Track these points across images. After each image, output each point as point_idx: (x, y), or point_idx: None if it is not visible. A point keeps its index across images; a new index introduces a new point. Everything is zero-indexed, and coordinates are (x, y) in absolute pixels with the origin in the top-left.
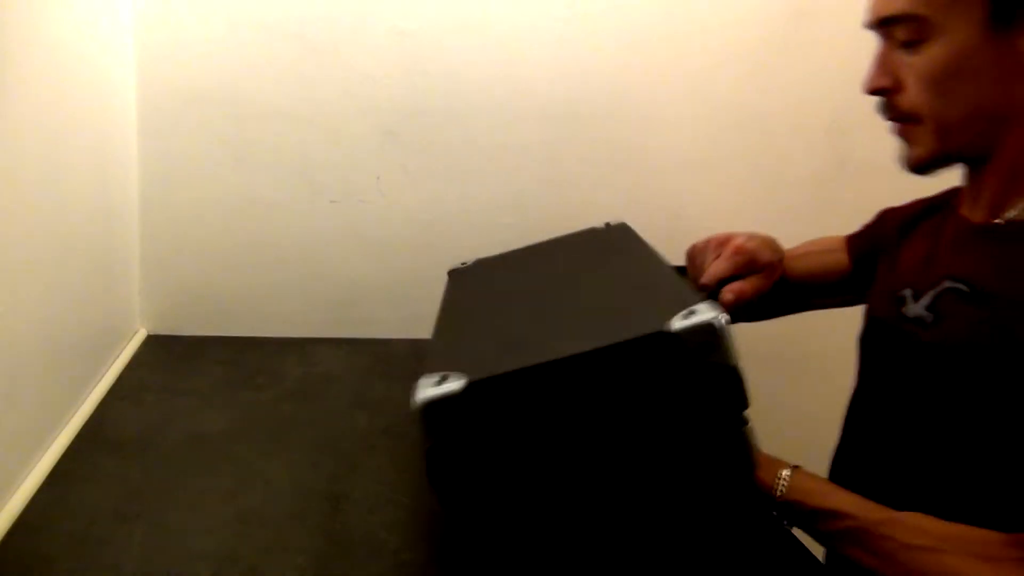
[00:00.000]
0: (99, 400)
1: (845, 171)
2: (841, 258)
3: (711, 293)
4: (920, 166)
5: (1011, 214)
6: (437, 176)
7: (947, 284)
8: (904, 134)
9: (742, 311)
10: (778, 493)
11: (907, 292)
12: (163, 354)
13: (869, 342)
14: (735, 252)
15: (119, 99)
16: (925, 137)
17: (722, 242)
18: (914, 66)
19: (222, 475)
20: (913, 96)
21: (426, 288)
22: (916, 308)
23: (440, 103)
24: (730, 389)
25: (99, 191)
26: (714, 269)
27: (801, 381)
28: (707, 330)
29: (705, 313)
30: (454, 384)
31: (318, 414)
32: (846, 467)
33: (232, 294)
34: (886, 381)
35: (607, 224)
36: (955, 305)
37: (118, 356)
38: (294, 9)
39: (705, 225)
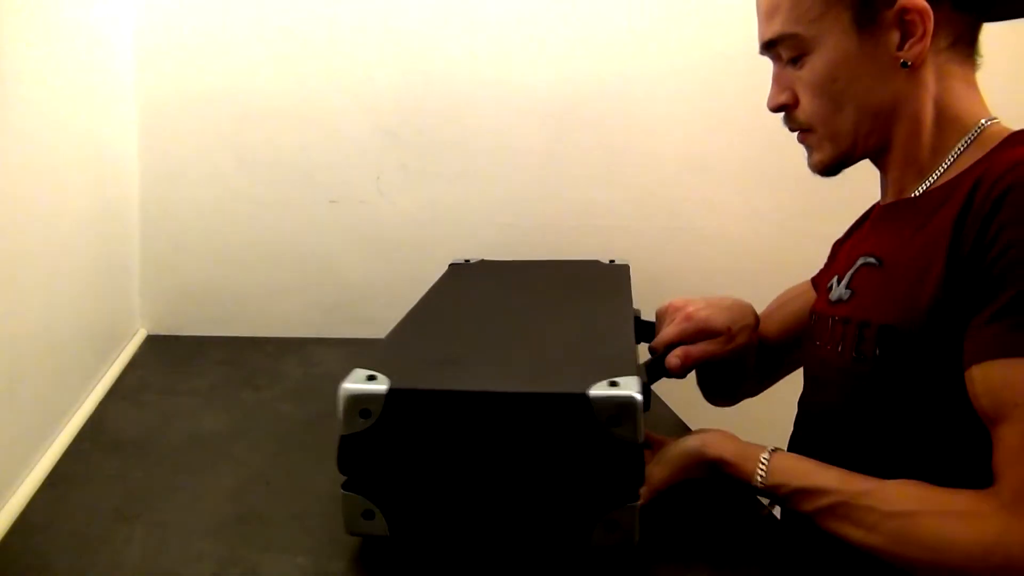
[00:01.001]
0: (99, 400)
1: (844, 170)
2: (810, 298)
3: (660, 356)
4: (824, 169)
5: (913, 193)
6: (437, 176)
7: (861, 261)
8: (805, 142)
9: (730, 387)
10: (758, 480)
11: (834, 281)
12: (163, 354)
13: (806, 336)
14: (684, 319)
15: (119, 98)
16: (821, 142)
17: (678, 307)
18: (802, 79)
19: (222, 475)
20: (806, 106)
21: (426, 288)
22: (839, 290)
23: (439, 103)
24: (628, 464)
25: (99, 191)
26: (663, 334)
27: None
28: (621, 404)
29: (626, 388)
30: (379, 386)
31: (318, 414)
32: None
33: (232, 294)
34: (819, 368)
35: (611, 261)
36: (867, 278)
37: (118, 356)
38: (294, 9)
39: (705, 225)
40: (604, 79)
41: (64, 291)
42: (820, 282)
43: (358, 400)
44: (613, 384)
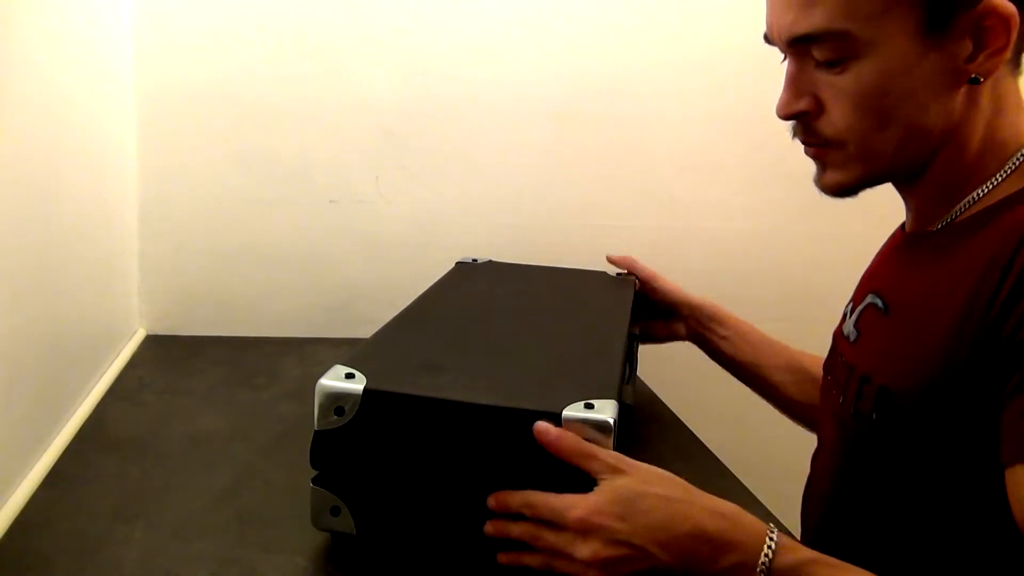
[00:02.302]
0: (98, 400)
1: None
2: None
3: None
4: (842, 190)
5: (937, 225)
6: (437, 176)
7: (868, 299)
8: (822, 157)
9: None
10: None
11: (848, 308)
12: (162, 354)
13: (825, 365)
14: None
15: (118, 98)
16: (848, 162)
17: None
18: (838, 86)
19: (222, 475)
20: (838, 119)
21: (425, 288)
22: (848, 325)
23: (440, 103)
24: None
25: (98, 190)
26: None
27: None
28: (594, 427)
29: (601, 412)
30: (355, 385)
31: None
32: (809, 501)
33: (231, 294)
34: (828, 407)
35: (618, 274)
36: (872, 321)
37: (117, 356)
38: (294, 8)
39: (705, 224)
40: (604, 78)
41: (62, 291)
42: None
43: (333, 397)
44: (589, 406)
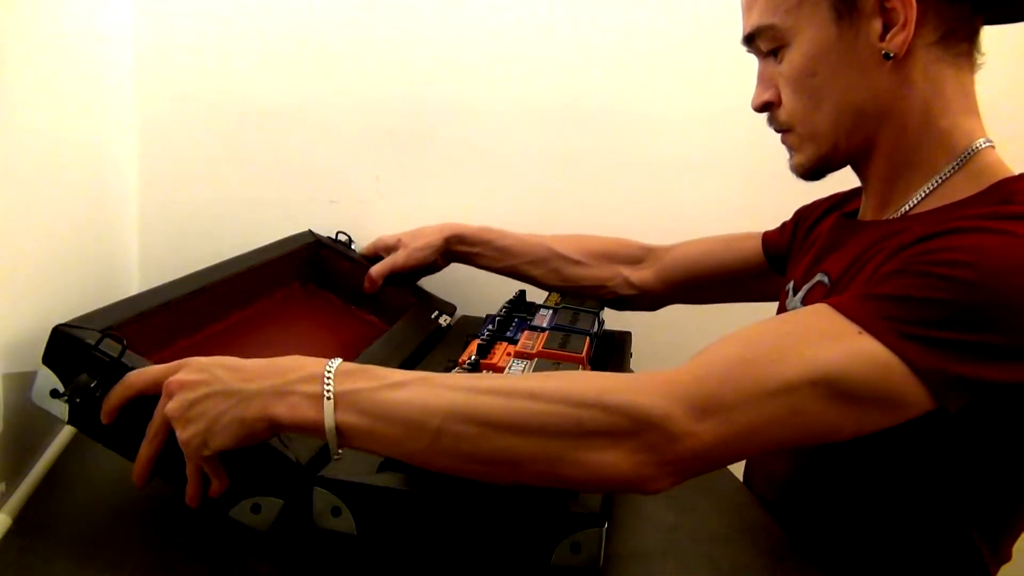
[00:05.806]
0: None
1: (843, 169)
2: (755, 245)
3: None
4: (805, 173)
5: (891, 215)
6: (437, 176)
7: (817, 278)
8: (786, 143)
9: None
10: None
11: (790, 286)
12: None
13: None
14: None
15: (118, 98)
16: (801, 143)
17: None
18: (781, 73)
19: None
20: (785, 103)
21: (424, 288)
22: (793, 302)
23: (440, 103)
24: None
25: (98, 190)
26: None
27: None
28: None
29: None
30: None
31: None
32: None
33: None
34: None
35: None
36: (819, 297)
37: None
38: (293, 9)
39: (705, 225)
40: (605, 79)
41: (63, 291)
42: (772, 238)
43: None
44: None
